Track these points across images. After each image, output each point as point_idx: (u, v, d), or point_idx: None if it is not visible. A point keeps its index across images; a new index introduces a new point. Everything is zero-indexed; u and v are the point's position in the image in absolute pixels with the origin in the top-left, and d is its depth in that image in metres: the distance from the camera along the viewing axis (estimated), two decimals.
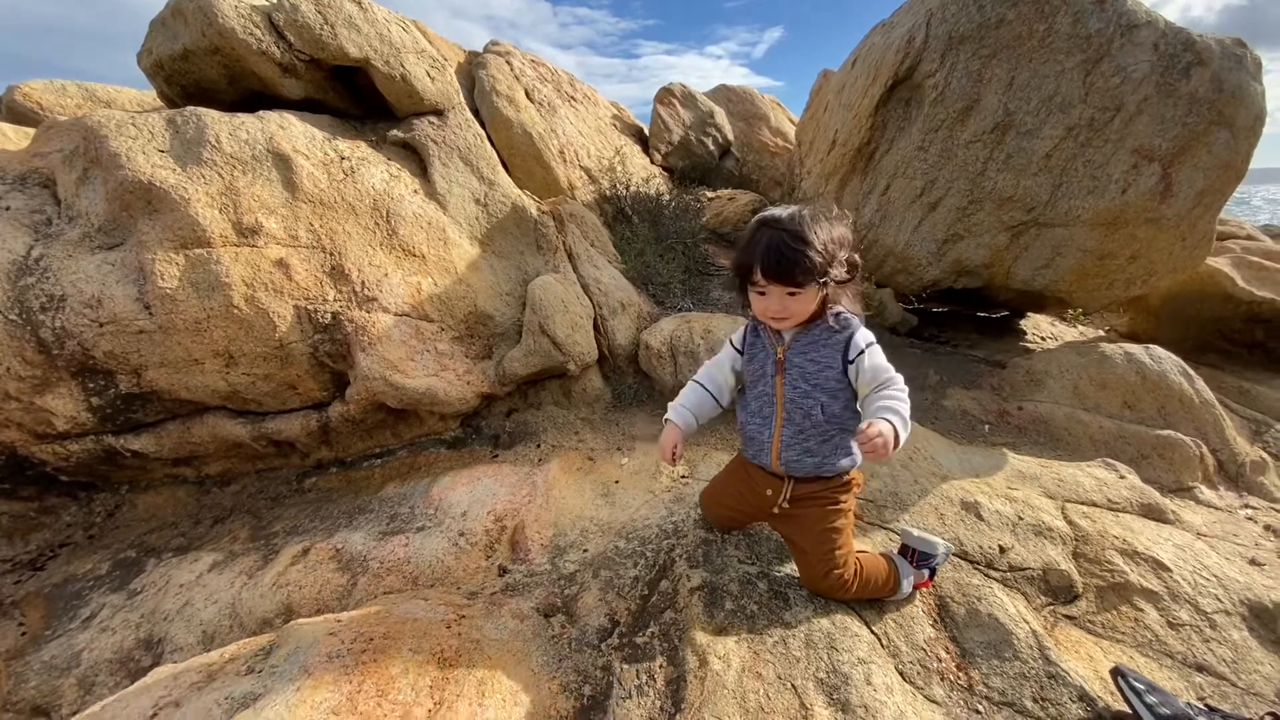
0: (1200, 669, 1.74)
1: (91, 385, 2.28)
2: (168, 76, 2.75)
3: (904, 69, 3.73)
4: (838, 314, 1.57)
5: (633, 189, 4.86)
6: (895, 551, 1.88)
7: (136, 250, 2.23)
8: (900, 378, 1.54)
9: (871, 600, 1.77)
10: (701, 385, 1.80)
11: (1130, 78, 3.15)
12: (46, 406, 2.22)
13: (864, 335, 1.56)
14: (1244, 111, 3.11)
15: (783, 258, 1.42)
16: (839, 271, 1.48)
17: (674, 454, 1.73)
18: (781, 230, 1.44)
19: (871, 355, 1.54)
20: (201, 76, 2.75)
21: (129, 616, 2.04)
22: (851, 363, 1.55)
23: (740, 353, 1.75)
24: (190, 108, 2.47)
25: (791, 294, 1.47)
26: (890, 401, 1.47)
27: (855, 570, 1.69)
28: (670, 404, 1.82)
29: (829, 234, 1.46)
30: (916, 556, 1.84)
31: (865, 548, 1.93)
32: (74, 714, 1.74)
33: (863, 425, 1.39)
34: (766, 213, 1.51)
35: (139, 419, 2.43)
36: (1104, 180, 3.33)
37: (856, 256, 1.53)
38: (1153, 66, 3.11)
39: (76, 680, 1.85)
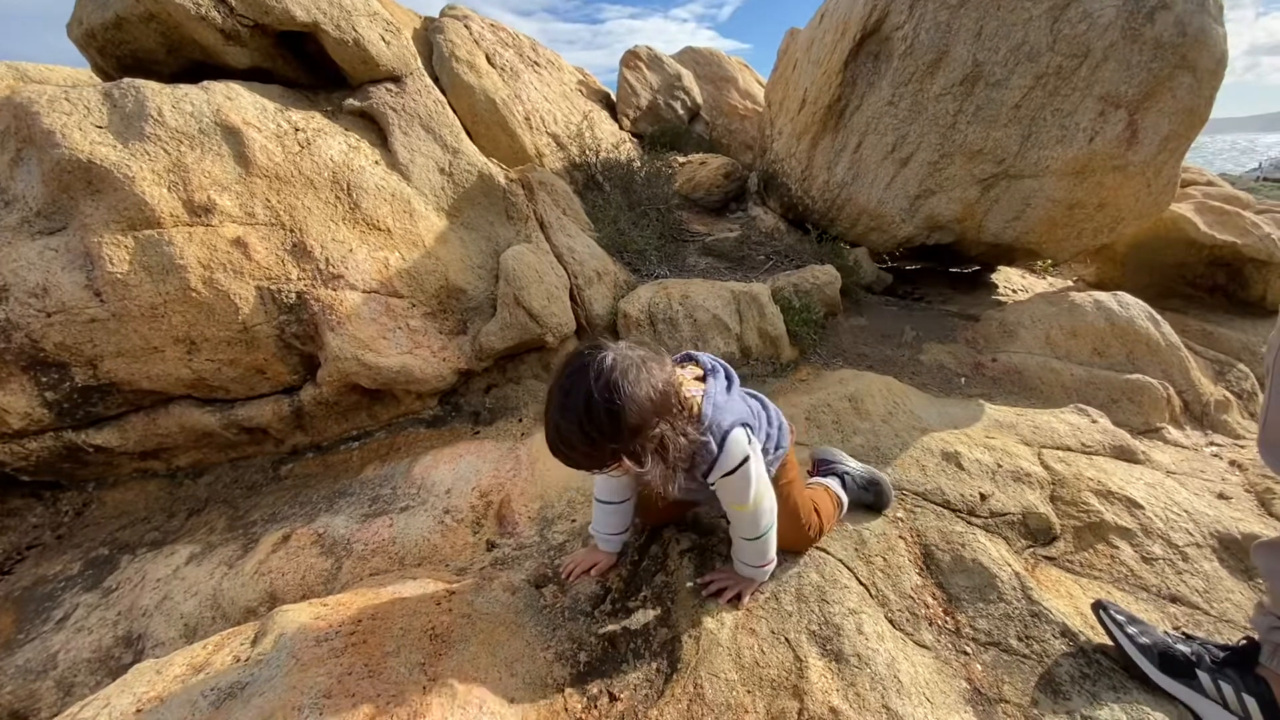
0: (1174, 600, 1.80)
1: (45, 379, 2.17)
2: (100, 48, 2.57)
3: (872, 22, 3.68)
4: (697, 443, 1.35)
5: (603, 155, 4.76)
6: (815, 473, 1.99)
7: (81, 234, 2.11)
8: (747, 515, 1.47)
9: (858, 551, 1.80)
10: (611, 503, 1.69)
11: (1096, 23, 3.13)
12: None
13: (722, 463, 1.36)
14: (1206, 55, 3.12)
15: (563, 458, 1.24)
16: (648, 446, 1.24)
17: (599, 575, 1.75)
18: (554, 435, 1.21)
19: (722, 490, 1.44)
20: (138, 46, 2.58)
21: (105, 614, 1.98)
22: (713, 485, 1.44)
23: None
24: (127, 80, 2.31)
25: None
26: (739, 559, 1.59)
27: (819, 518, 1.73)
28: (593, 529, 1.75)
29: (609, 427, 1.17)
30: (821, 466, 1.98)
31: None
32: (54, 716, 1.70)
33: (708, 581, 1.61)
34: (552, 396, 1.23)
35: (99, 412, 2.32)
36: (1072, 129, 3.34)
37: (665, 424, 1.25)
38: (1118, 11, 3.10)
39: (55, 682, 1.79)
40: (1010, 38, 3.27)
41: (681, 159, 6.17)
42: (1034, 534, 2.00)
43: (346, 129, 2.81)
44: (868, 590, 1.70)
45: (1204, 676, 1.40)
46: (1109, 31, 3.13)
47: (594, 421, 1.16)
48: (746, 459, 1.38)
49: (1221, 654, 1.42)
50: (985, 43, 3.34)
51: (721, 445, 1.34)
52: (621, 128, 6.57)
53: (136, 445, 2.43)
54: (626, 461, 1.23)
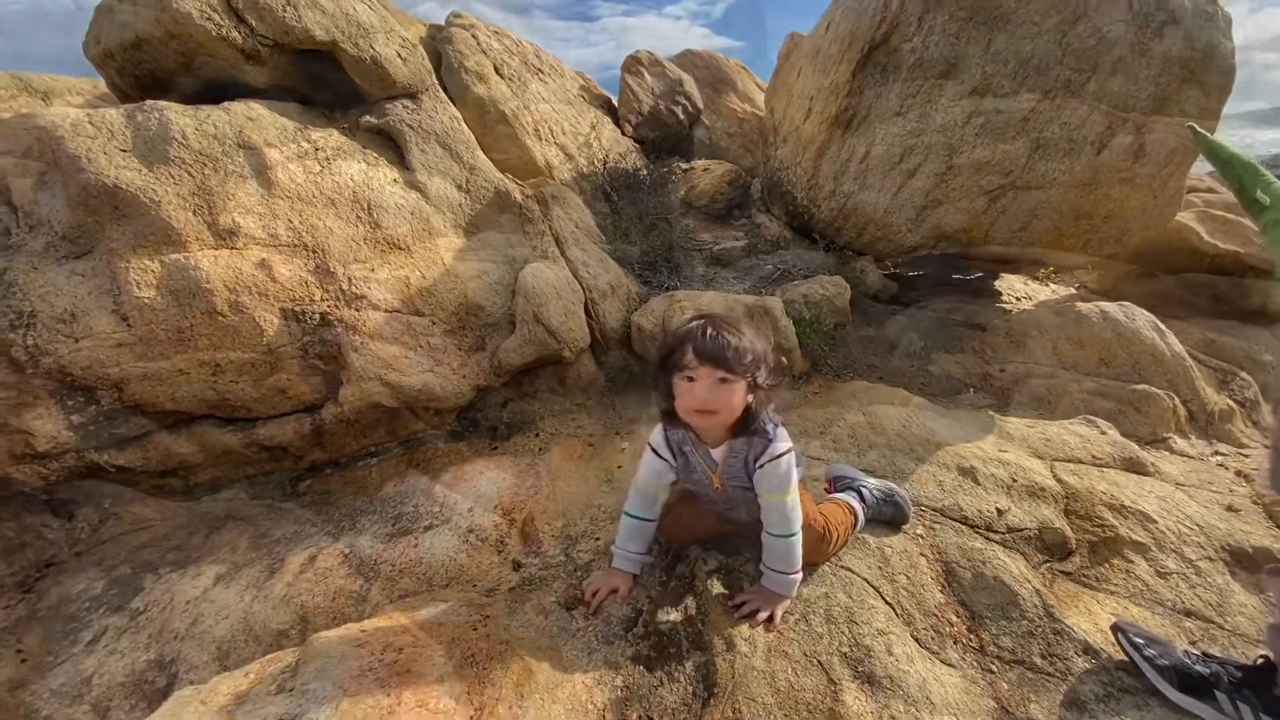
0: (1189, 614, 1.84)
1: (71, 403, 2.18)
2: (120, 67, 2.57)
3: (880, 34, 3.70)
4: (758, 429, 1.60)
5: (610, 165, 4.77)
6: (831, 491, 2.03)
7: (107, 258, 2.12)
8: (785, 506, 1.60)
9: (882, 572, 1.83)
10: (642, 519, 1.78)
11: (1105, 38, 3.17)
12: (25, 428, 2.12)
13: (773, 448, 1.59)
14: (1215, 70, 3.16)
15: (719, 338, 1.46)
16: (766, 374, 1.53)
17: (622, 600, 1.76)
18: (718, 319, 1.53)
19: (765, 475, 1.60)
20: (157, 66, 2.58)
21: (136, 637, 1.99)
22: (760, 468, 1.60)
23: (671, 465, 1.74)
24: (150, 102, 2.32)
25: (723, 380, 1.47)
26: (769, 566, 1.64)
27: (828, 529, 1.77)
28: (615, 547, 1.80)
29: (758, 335, 1.55)
30: (838, 483, 2.04)
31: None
32: None
33: (741, 602, 1.64)
34: (700, 319, 1.58)
35: (123, 434, 2.33)
36: (1079, 142, 3.38)
37: (783, 360, 1.64)
38: (1127, 26, 3.14)
39: (91, 706, 1.80)
40: (1019, 51, 3.31)
41: (684, 165, 6.19)
42: (1050, 549, 2.04)
43: (365, 147, 2.82)
44: (893, 609, 1.73)
45: (1222, 697, 1.43)
46: (1118, 46, 3.17)
47: (755, 330, 1.55)
48: (790, 449, 1.61)
49: (1239, 674, 1.46)
50: (994, 55, 3.37)
51: (774, 433, 1.60)
52: (624, 134, 6.58)
53: (158, 465, 2.44)
54: (760, 372, 1.51)
